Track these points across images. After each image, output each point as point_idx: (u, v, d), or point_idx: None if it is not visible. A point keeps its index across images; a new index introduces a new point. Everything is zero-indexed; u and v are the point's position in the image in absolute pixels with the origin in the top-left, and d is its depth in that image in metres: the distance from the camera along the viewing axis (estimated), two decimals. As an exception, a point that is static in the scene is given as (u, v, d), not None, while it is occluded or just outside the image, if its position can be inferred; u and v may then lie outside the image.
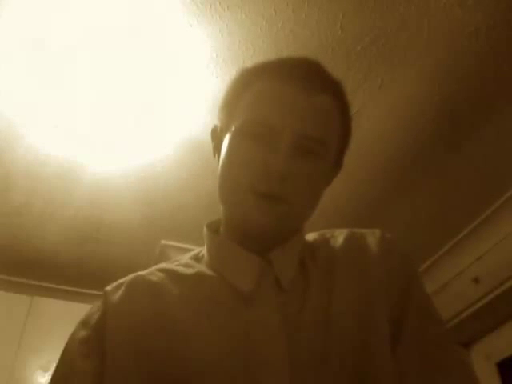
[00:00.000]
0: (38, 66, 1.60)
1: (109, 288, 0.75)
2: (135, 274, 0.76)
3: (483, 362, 2.26)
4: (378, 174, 1.98)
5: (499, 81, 1.63)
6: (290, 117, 0.69)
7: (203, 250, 0.79)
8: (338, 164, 0.78)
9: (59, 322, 2.24)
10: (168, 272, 0.74)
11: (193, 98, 1.69)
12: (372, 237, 0.77)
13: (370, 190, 2.06)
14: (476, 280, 2.13)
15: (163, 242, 2.32)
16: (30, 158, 1.92)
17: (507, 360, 2.18)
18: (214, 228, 0.79)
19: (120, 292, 0.72)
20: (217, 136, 0.79)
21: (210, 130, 0.83)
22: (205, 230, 0.80)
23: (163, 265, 0.78)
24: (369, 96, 1.69)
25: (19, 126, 1.80)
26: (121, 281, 0.75)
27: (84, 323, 0.72)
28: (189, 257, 0.80)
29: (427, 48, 1.54)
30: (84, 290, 2.47)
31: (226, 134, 0.75)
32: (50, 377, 0.71)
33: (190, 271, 0.74)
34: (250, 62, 1.56)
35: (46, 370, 2.21)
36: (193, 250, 0.82)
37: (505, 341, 2.19)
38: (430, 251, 2.34)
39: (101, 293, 0.75)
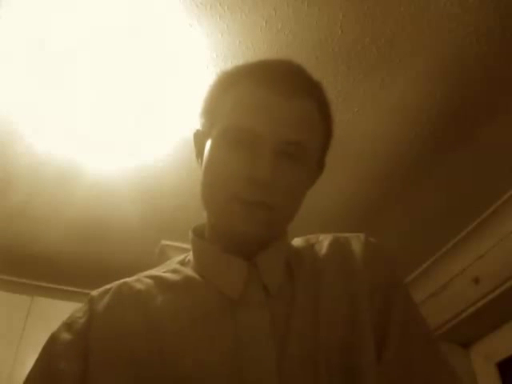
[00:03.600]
0: (38, 66, 1.60)
1: (95, 293, 0.74)
2: (122, 281, 0.75)
3: (483, 362, 2.27)
4: (378, 173, 1.98)
5: (499, 80, 1.63)
6: (271, 122, 0.68)
7: (189, 255, 0.79)
8: (320, 166, 0.78)
9: (59, 322, 2.23)
10: (155, 279, 0.74)
11: (193, 98, 1.69)
12: (357, 241, 0.77)
13: (370, 190, 2.06)
14: (476, 280, 2.14)
15: (163, 242, 2.32)
16: (29, 158, 1.92)
17: (507, 360, 2.18)
18: (199, 232, 0.79)
19: (106, 299, 0.72)
20: (199, 141, 0.78)
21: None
22: (190, 234, 0.79)
23: (150, 271, 0.77)
24: (369, 96, 1.69)
25: (19, 126, 1.80)
26: (107, 287, 0.75)
27: (68, 326, 0.71)
28: (175, 262, 0.79)
29: (427, 48, 1.54)
30: (84, 290, 2.47)
31: (207, 139, 0.75)
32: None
33: (177, 277, 0.73)
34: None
35: (45, 370, 2.21)
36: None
37: (505, 341, 2.19)
38: (430, 251, 2.34)
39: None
